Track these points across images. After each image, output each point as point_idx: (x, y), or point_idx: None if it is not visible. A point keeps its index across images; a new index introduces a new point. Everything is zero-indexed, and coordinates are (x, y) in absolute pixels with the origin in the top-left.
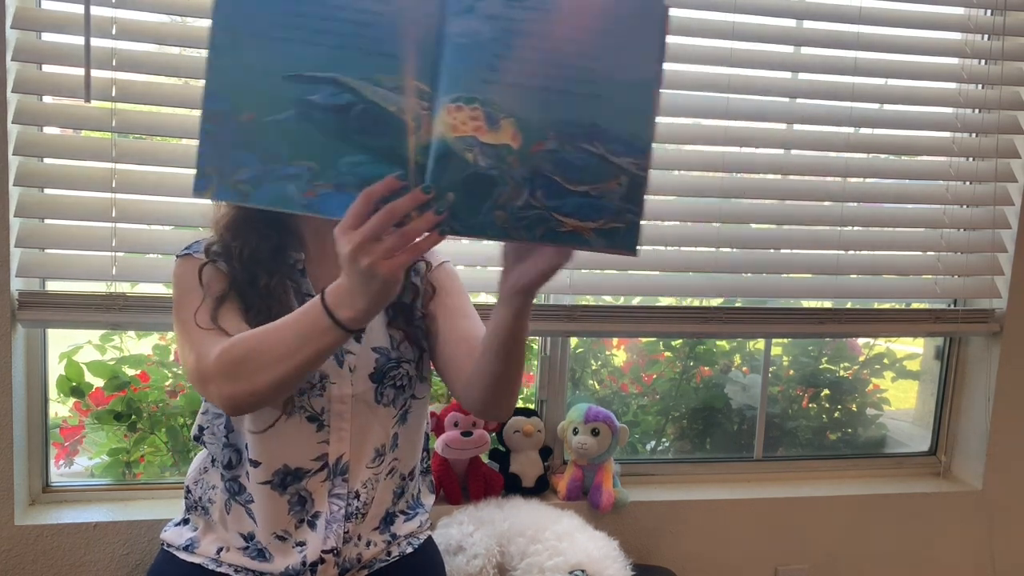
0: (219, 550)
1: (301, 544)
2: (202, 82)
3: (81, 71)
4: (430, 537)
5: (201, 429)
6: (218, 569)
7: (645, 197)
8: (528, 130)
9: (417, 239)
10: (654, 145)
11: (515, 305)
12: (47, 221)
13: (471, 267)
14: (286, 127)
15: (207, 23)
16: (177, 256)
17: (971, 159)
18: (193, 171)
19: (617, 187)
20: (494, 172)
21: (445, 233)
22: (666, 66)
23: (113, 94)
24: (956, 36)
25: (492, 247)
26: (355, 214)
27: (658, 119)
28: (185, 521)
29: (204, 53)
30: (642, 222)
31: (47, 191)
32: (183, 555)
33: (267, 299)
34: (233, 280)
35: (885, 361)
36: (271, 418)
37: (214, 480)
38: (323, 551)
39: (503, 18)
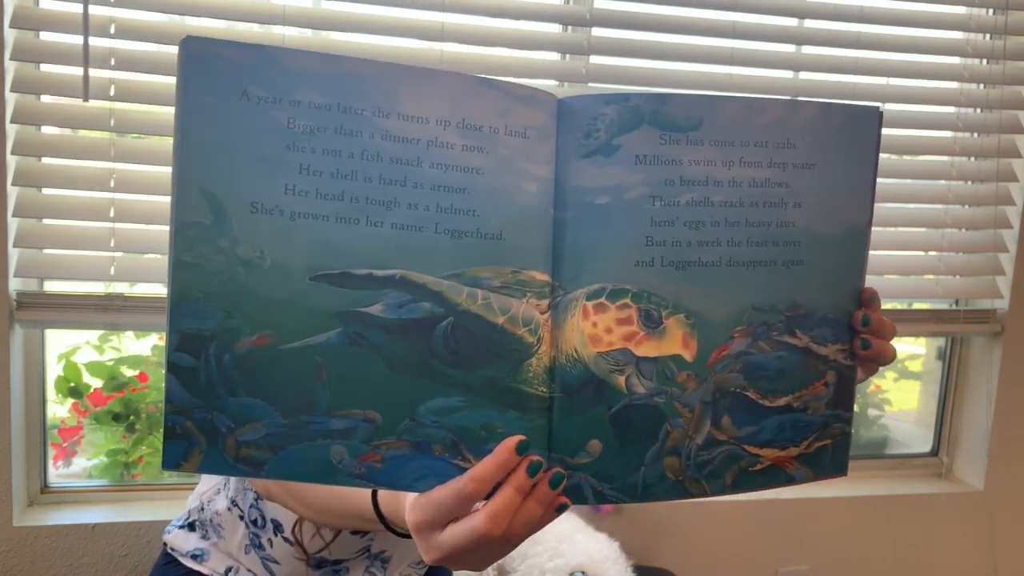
0: (229, 569)
1: None
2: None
3: (79, 70)
4: None
5: None
6: None
7: (856, 394)
8: (706, 329)
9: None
10: None
11: None
12: (45, 221)
13: None
14: (326, 358)
15: (206, 22)
16: None
17: (972, 158)
18: None
19: (824, 389)
20: (659, 400)
21: (585, 504)
22: (666, 65)
23: (112, 93)
24: (958, 35)
25: None
26: (449, 514)
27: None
28: (191, 526)
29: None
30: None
31: (45, 191)
32: (189, 562)
33: None
34: None
35: None
36: (329, 537)
37: (233, 519)
38: None
39: (660, 161)
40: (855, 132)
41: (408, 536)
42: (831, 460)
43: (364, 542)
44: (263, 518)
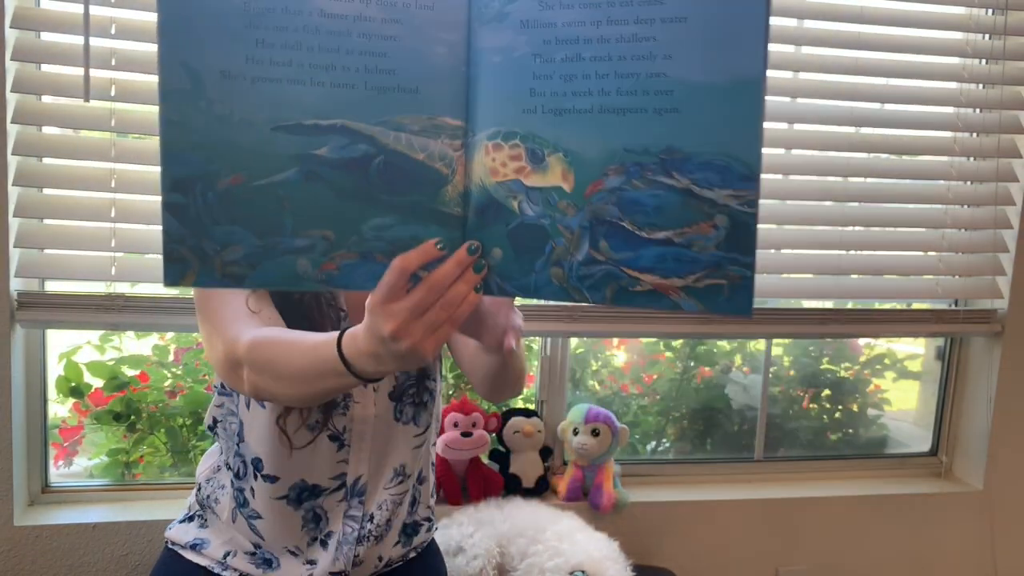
0: (226, 554)
1: (312, 563)
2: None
3: (80, 71)
4: (432, 539)
5: (215, 421)
6: (223, 573)
7: (755, 241)
8: (581, 166)
9: (459, 306)
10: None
11: (489, 352)
12: (46, 221)
13: None
14: (287, 191)
15: None
16: None
17: (972, 159)
18: None
19: (712, 231)
20: (544, 222)
21: (492, 295)
22: None
23: (112, 94)
24: (957, 36)
25: None
26: (392, 288)
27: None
28: (190, 519)
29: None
30: (755, 275)
31: (46, 191)
32: (189, 554)
33: (295, 312)
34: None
35: (886, 361)
36: (313, 434)
37: (225, 481)
38: (331, 572)
39: (539, 24)
40: None
41: (371, 380)
42: (729, 299)
43: (338, 467)
44: (244, 464)
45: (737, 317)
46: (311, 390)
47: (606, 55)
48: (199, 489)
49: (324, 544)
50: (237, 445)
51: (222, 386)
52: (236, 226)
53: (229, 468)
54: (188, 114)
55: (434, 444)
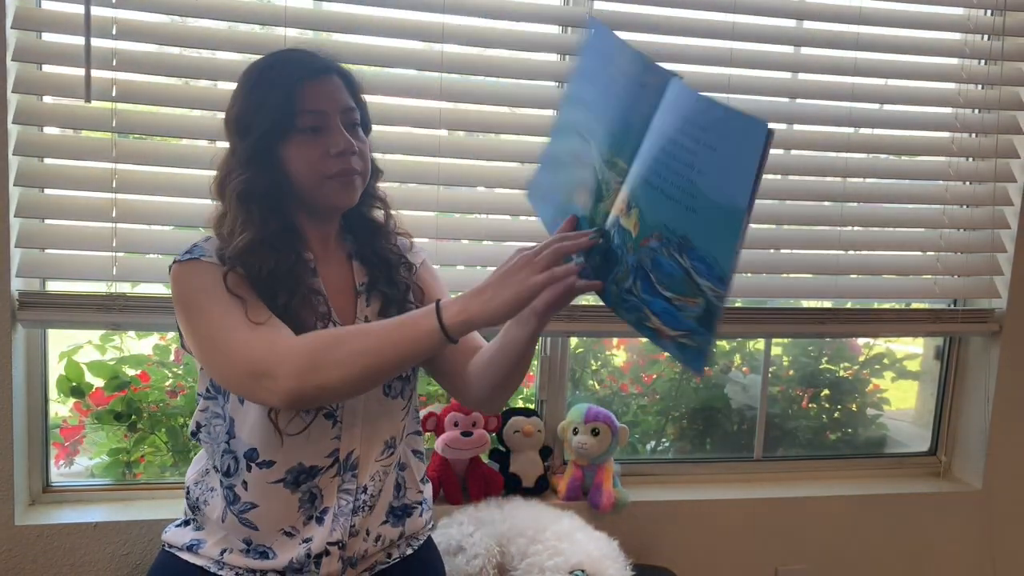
0: (223, 552)
1: (307, 540)
2: (207, 83)
3: (81, 71)
4: (429, 538)
5: (199, 426)
6: (220, 572)
7: (718, 326)
8: (643, 224)
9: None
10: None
11: (531, 326)
12: (47, 221)
13: (471, 267)
14: (557, 155)
15: (207, 23)
16: (179, 261)
17: (971, 159)
18: (188, 171)
19: (694, 306)
20: (619, 251)
21: (580, 279)
22: (665, 67)
23: (113, 94)
24: (956, 36)
25: (485, 250)
26: (540, 249)
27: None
28: (186, 523)
29: (225, 54)
30: (713, 348)
31: (47, 191)
32: (185, 555)
33: (285, 316)
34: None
35: (885, 361)
36: (308, 419)
37: (213, 483)
38: (328, 543)
39: (666, 131)
40: (745, 135)
41: (450, 338)
42: (691, 357)
43: (332, 444)
44: (236, 459)
45: (691, 371)
46: (378, 358)
47: (677, 159)
48: (188, 493)
49: (319, 520)
50: (227, 443)
51: (207, 391)
52: (545, 167)
53: (217, 470)
54: (565, 110)
55: (419, 433)
